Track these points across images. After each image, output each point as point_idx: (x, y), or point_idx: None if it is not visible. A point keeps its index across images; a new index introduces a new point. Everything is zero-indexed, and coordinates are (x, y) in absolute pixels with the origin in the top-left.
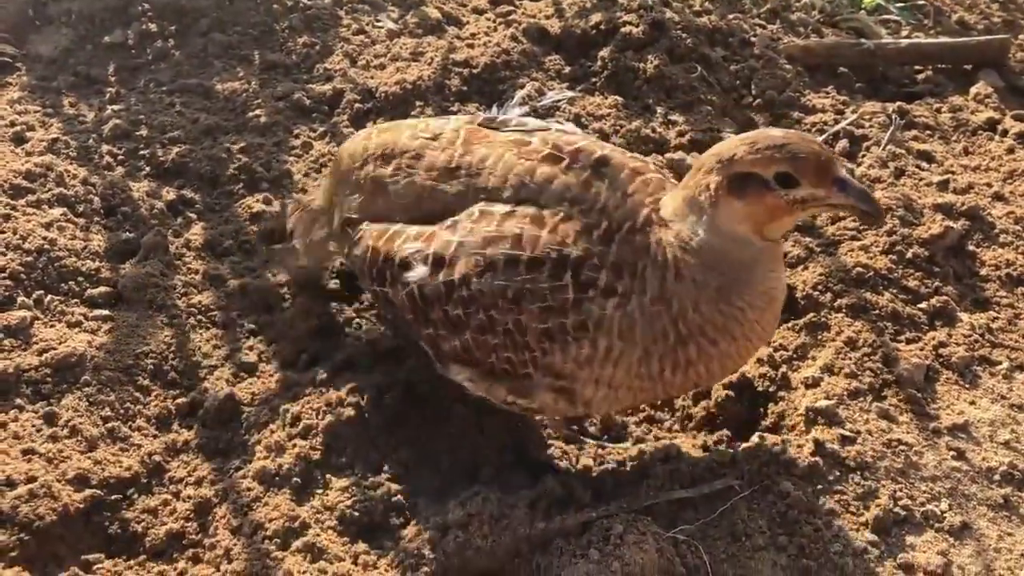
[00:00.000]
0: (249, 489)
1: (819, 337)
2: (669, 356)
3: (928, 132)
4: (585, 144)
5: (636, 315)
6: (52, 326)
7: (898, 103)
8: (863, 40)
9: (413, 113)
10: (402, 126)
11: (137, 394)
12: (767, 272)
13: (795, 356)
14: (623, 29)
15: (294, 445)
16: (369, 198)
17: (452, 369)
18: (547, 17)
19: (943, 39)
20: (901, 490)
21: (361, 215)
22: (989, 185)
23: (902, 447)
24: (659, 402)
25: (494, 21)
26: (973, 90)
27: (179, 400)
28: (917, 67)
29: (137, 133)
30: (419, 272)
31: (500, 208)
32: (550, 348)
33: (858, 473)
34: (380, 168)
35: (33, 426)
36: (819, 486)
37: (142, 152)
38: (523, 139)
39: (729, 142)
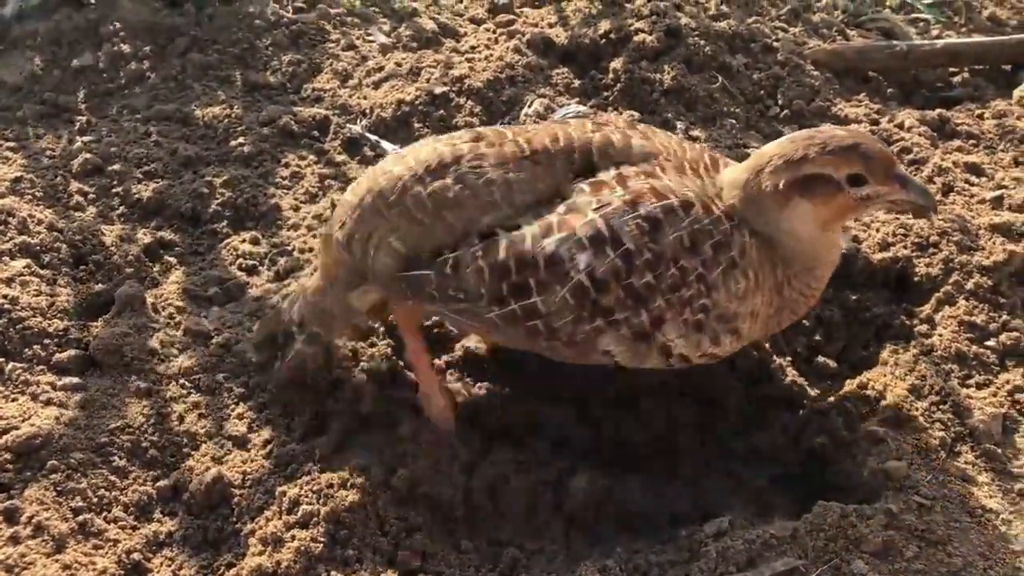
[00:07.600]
0: None
1: (879, 385)
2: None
3: (972, 142)
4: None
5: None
6: (14, 399)
7: (937, 110)
8: (894, 42)
9: (414, 136)
10: (418, 146)
11: (112, 478)
12: (829, 260)
13: (854, 407)
14: (635, 38)
15: (293, 536)
16: (432, 219)
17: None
18: (551, 26)
19: (978, 38)
20: (992, 568)
21: (427, 243)
22: None
23: (987, 515)
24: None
25: (495, 32)
26: (1016, 93)
27: (160, 483)
28: (951, 69)
29: (110, 168)
30: (583, 259)
31: (605, 175)
32: (722, 286)
33: (940, 548)
34: (436, 183)
35: None
36: (896, 565)
37: (115, 189)
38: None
39: (791, 142)
